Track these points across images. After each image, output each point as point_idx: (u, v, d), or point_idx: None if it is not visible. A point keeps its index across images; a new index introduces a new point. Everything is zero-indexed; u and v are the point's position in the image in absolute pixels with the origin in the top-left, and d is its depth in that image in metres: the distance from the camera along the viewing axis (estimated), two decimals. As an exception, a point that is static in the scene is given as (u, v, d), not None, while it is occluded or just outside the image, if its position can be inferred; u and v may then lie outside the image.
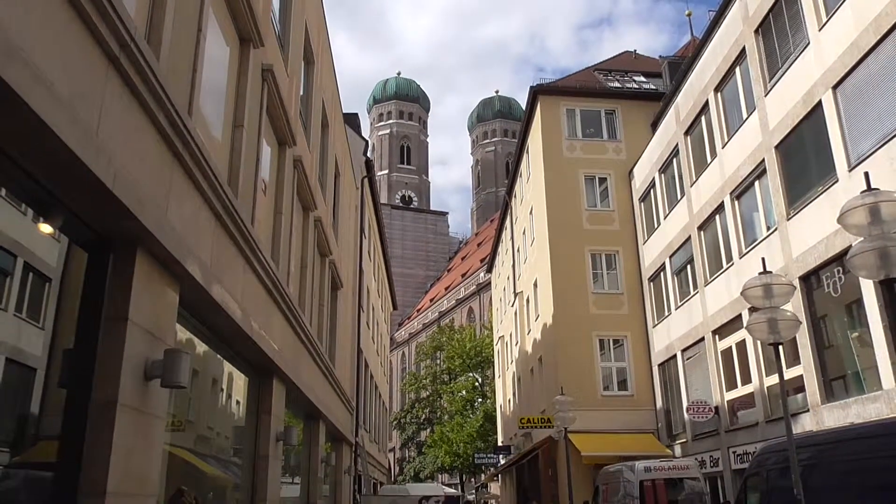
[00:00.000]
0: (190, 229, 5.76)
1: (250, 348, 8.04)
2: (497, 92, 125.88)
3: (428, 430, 53.12)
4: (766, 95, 15.16)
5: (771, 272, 7.85)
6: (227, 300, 6.61)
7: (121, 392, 4.40)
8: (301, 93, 12.64)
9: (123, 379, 4.45)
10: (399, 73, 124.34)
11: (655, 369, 22.45)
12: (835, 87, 12.65)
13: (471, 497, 44.94)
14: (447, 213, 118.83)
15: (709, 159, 18.49)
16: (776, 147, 14.73)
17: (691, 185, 19.57)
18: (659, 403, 22.17)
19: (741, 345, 16.66)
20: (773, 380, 15.34)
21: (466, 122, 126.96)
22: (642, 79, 28.53)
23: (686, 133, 20.04)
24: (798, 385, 14.18)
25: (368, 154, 27.06)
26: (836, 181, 12.57)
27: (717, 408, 17.72)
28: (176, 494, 6.98)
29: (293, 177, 11.06)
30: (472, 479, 50.16)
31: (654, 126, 24.25)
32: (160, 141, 5.11)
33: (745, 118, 16.29)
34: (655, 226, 22.67)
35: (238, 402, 9.08)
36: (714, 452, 17.90)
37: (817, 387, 13.17)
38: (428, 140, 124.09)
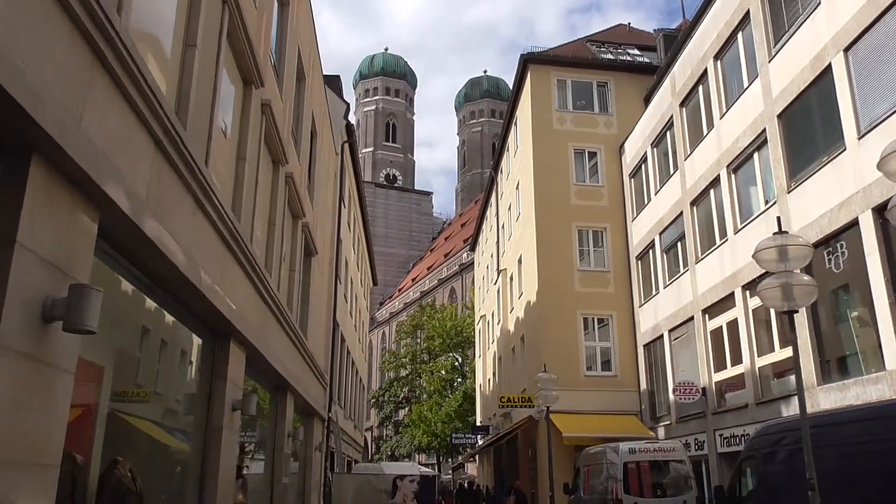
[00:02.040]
0: (116, 149, 4.81)
1: (201, 304, 7.10)
2: (485, 72, 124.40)
3: (406, 409, 52.50)
4: (769, 61, 14.33)
5: (787, 232, 7.06)
6: (165, 241, 5.67)
7: (3, 332, 3.48)
8: (273, 35, 11.62)
9: (8, 317, 3.52)
10: (387, 49, 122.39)
11: (641, 350, 21.80)
12: (846, 50, 11.83)
13: (447, 477, 44.50)
14: (431, 192, 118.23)
15: (705, 131, 17.69)
16: (779, 116, 13.94)
17: (685, 159, 18.78)
18: (643, 385, 21.56)
19: (732, 324, 15.98)
20: (765, 360, 14.70)
21: (453, 102, 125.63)
22: (636, 52, 27.62)
23: (682, 104, 19.20)
24: (791, 366, 13.53)
25: (353, 130, 25.88)
26: (844, 150, 11.81)
27: (704, 389, 17.08)
28: (111, 465, 6.10)
29: (261, 122, 10.07)
30: (450, 460, 49.71)
31: (647, 100, 23.43)
32: (73, 31, 4.14)
33: (745, 86, 15.46)
34: (646, 202, 21.91)
35: (190, 365, 8.16)
36: (699, 435, 17.30)
37: (813, 367, 12.49)
38: (414, 118, 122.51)
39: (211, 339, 8.29)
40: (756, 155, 15.09)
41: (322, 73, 18.13)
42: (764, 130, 14.46)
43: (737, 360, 15.73)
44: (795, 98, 13.33)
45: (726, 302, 16.23)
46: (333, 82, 23.70)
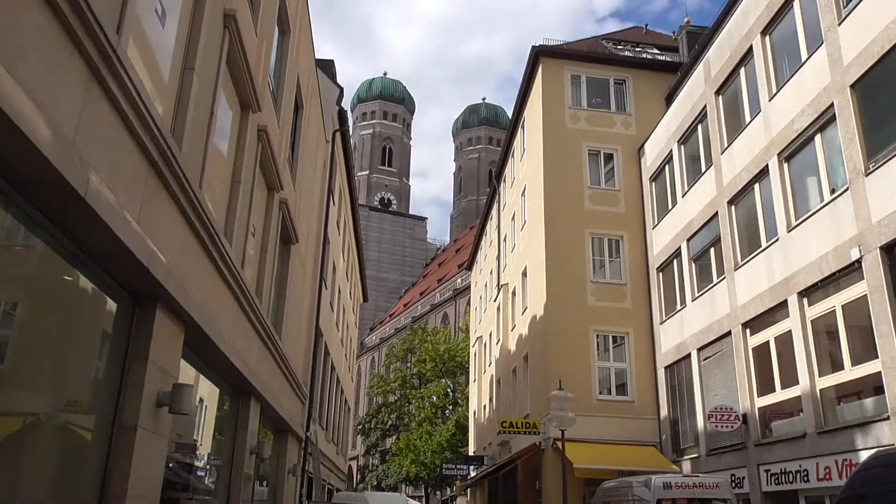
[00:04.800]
0: None
1: (99, 236, 4.67)
2: (484, 99, 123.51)
3: (394, 437, 49.43)
4: (839, 24, 12.21)
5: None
6: (21, 106, 3.29)
7: None
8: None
9: None
10: (385, 74, 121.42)
11: (661, 372, 19.33)
12: (951, -6, 9.73)
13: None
14: (426, 218, 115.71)
15: (748, 118, 15.52)
16: (852, 86, 11.75)
17: (722, 153, 16.58)
18: (664, 412, 19.03)
19: (783, 339, 13.58)
20: (830, 381, 12.24)
21: (450, 131, 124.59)
22: (655, 51, 25.68)
23: (717, 92, 17.07)
24: (871, 385, 11.12)
25: (346, 118, 23.66)
26: (950, 115, 9.62)
27: (745, 416, 14.60)
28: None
29: (222, 38, 7.77)
30: (439, 493, 46.59)
31: (669, 100, 21.51)
32: None
33: (804, 59, 13.34)
34: (669, 207, 19.67)
35: (94, 335, 5.69)
36: (738, 470, 14.73)
37: (905, 386, 10.10)
38: (411, 143, 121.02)
39: (129, 302, 5.85)
40: (818, 137, 12.87)
41: (312, 40, 15.93)
42: (831, 105, 12.27)
43: (789, 381, 13.30)
44: (876, 62, 11.15)
45: (775, 312, 13.86)
46: (327, 67, 21.53)
